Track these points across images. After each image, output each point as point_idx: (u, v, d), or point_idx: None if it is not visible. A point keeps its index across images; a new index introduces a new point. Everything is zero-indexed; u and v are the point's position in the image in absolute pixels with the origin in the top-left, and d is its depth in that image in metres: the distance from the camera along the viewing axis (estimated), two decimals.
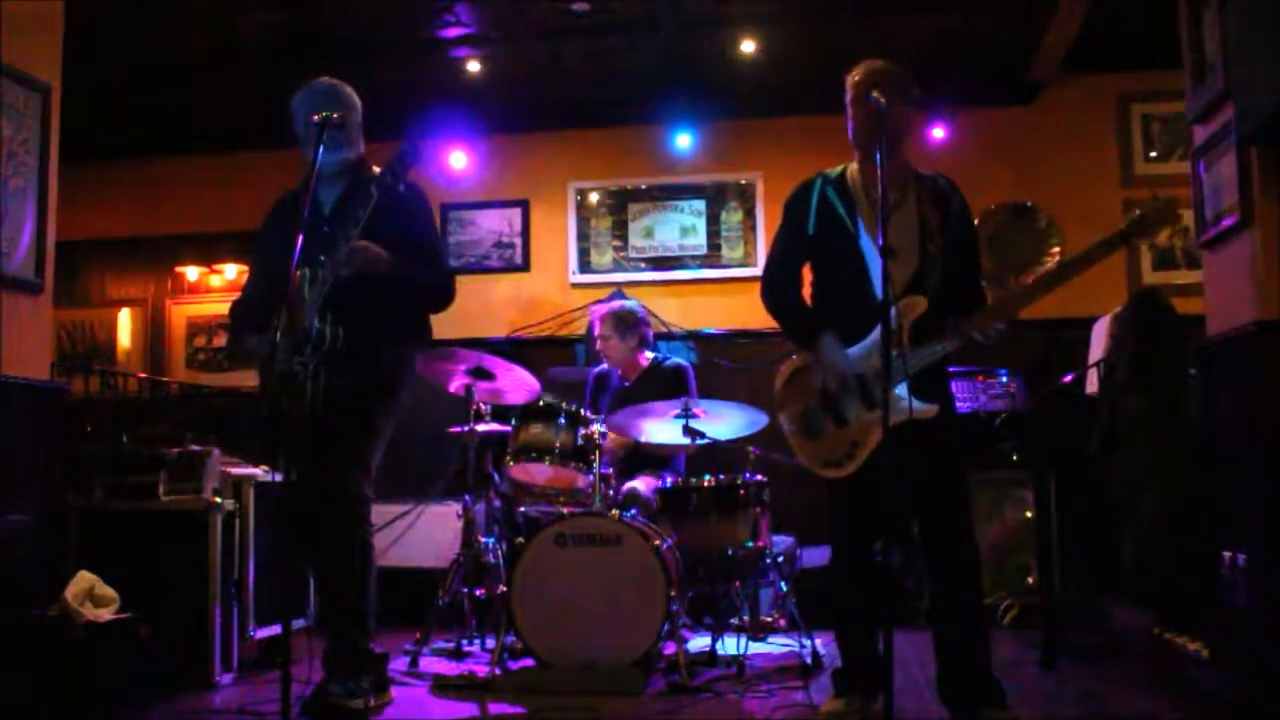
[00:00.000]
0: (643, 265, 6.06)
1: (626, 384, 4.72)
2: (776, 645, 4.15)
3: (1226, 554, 3.04)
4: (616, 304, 4.84)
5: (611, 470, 4.06)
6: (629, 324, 4.68)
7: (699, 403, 3.98)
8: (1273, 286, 2.89)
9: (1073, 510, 4.03)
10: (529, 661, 3.71)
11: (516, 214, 6.19)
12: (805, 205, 3.07)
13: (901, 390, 2.74)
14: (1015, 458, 4.07)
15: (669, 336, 5.77)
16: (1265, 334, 2.87)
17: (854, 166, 3.08)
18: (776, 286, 3.14)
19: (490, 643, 4.12)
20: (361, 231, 3.03)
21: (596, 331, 4.75)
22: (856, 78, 2.98)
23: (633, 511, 3.93)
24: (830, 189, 3.05)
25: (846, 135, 3.07)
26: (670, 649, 3.68)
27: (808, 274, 3.16)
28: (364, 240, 3.06)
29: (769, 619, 4.31)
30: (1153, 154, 5.67)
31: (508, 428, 4.11)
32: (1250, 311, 2.95)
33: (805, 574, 4.57)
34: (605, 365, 4.82)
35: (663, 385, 4.56)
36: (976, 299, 3.02)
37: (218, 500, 3.72)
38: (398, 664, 3.82)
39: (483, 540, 4.21)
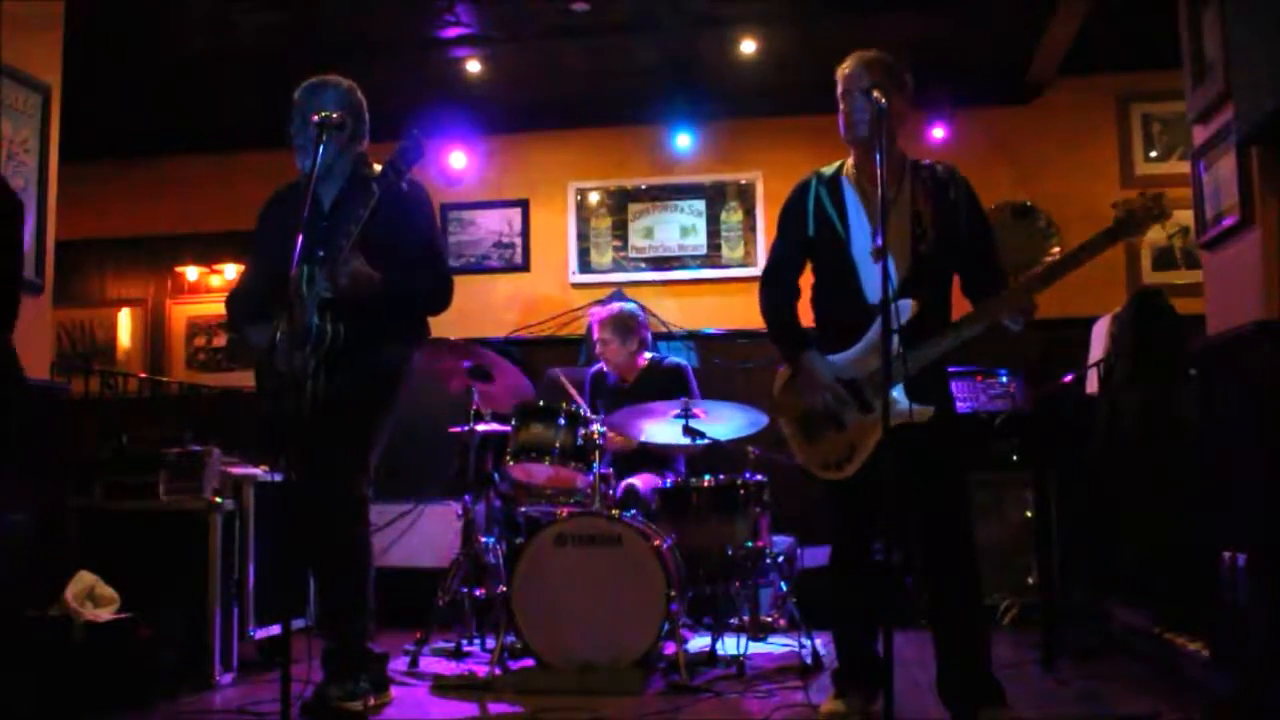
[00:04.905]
0: (643, 265, 6.06)
1: (625, 385, 4.72)
2: (776, 645, 4.15)
3: (1226, 554, 3.04)
4: (616, 307, 4.84)
5: (611, 470, 4.06)
6: (629, 327, 4.69)
7: (699, 402, 3.98)
8: (1273, 286, 2.89)
9: (1073, 510, 4.03)
10: (529, 661, 3.71)
11: (516, 214, 6.19)
12: (802, 208, 3.05)
13: (897, 393, 2.73)
14: (1015, 458, 4.07)
15: (669, 336, 5.77)
16: (1265, 334, 2.87)
17: (849, 162, 3.07)
18: (769, 293, 3.14)
19: (490, 643, 4.12)
20: (362, 230, 3.02)
21: (596, 335, 4.75)
22: (847, 70, 2.95)
23: (632, 511, 3.93)
24: (823, 189, 3.03)
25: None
26: (670, 649, 3.68)
27: (810, 276, 3.16)
28: (362, 242, 3.05)
29: (769, 619, 4.31)
30: (1153, 154, 5.67)
31: (508, 428, 4.11)
32: (1250, 311, 2.95)
33: (805, 574, 4.57)
34: (603, 365, 4.82)
35: (661, 384, 4.55)
36: (997, 281, 2.96)
37: (218, 500, 3.72)
38: (398, 664, 3.82)
39: (483, 540, 4.21)
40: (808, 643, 3.81)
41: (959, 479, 2.98)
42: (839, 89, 2.96)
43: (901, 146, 3.03)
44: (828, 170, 3.09)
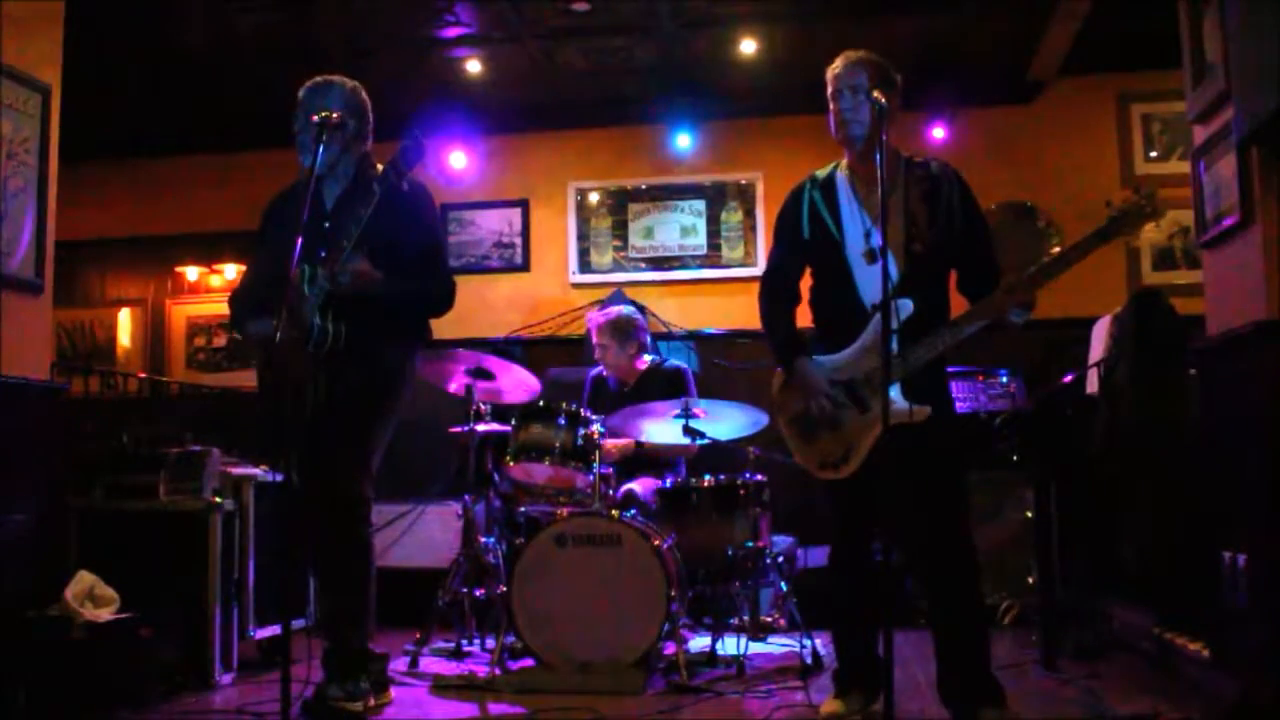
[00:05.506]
0: (643, 265, 6.06)
1: (625, 389, 4.71)
2: (776, 645, 4.15)
3: (1226, 554, 3.04)
4: (613, 311, 4.82)
5: (611, 471, 4.06)
6: (627, 331, 4.68)
7: (699, 403, 3.98)
8: (1273, 286, 2.88)
9: (1073, 510, 4.03)
10: (529, 661, 3.71)
11: (516, 214, 6.19)
12: (798, 212, 3.06)
13: (894, 393, 2.73)
14: (1015, 458, 4.07)
15: (669, 336, 5.77)
16: (1265, 334, 2.87)
17: (843, 163, 3.07)
18: (767, 297, 3.15)
19: (490, 643, 4.12)
20: (364, 231, 3.02)
21: (594, 340, 4.75)
22: (837, 69, 2.95)
23: (632, 511, 3.93)
24: (817, 192, 3.04)
25: None
26: (670, 649, 3.68)
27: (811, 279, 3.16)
28: (365, 242, 3.05)
29: (769, 619, 4.31)
30: (1153, 154, 5.68)
31: (508, 428, 4.11)
32: (1250, 311, 2.95)
33: (805, 574, 4.57)
34: (602, 369, 4.81)
35: (661, 388, 4.54)
36: (993, 277, 2.93)
37: (218, 500, 3.72)
38: (398, 664, 3.82)
39: (483, 540, 4.21)
40: (808, 643, 3.81)
41: (958, 479, 2.98)
42: (829, 89, 2.97)
43: (894, 144, 3.02)
44: (821, 173, 3.09)
